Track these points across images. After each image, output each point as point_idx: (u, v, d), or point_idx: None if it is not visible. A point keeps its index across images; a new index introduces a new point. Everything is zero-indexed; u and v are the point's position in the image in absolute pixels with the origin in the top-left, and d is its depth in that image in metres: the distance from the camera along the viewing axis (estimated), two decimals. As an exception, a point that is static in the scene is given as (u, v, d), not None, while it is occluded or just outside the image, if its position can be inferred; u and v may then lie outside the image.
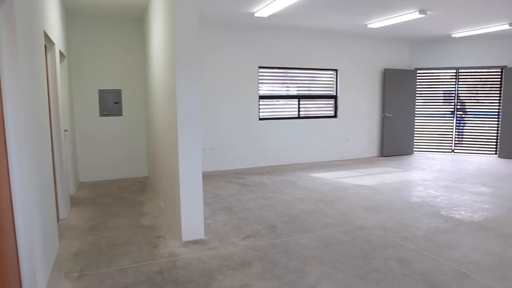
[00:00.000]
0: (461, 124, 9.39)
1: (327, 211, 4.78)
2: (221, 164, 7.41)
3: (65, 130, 5.27)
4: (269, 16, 6.49)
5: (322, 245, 3.72)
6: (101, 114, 6.65)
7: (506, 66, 8.78)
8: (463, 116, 9.33)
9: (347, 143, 8.66)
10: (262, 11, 6.03)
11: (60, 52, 5.12)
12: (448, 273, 3.14)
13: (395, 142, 9.12)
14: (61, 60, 5.43)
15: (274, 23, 7.11)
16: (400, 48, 9.16)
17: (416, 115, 9.45)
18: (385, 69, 8.79)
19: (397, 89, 8.99)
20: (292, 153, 8.06)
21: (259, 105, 7.71)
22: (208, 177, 6.83)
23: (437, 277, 3.07)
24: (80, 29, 6.38)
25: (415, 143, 9.53)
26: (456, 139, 9.37)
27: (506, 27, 7.34)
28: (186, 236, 3.90)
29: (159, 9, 4.62)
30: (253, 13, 6.28)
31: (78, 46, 6.39)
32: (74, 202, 5.38)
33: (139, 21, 6.73)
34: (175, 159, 3.92)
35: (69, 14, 6.22)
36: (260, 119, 7.73)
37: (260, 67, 7.64)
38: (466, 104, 9.27)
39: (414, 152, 9.53)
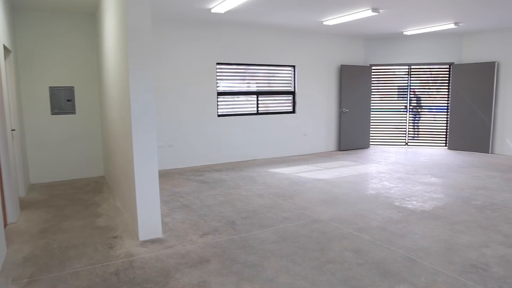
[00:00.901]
0: (416, 118, 9.79)
1: (286, 206, 4.84)
2: (180, 161, 7.32)
3: (13, 130, 5.01)
4: (226, 12, 6.46)
5: (280, 239, 3.77)
6: (53, 112, 6.37)
7: (453, 62, 9.22)
8: (419, 110, 9.72)
9: (305, 138, 8.80)
10: (219, 7, 5.99)
11: (4, 46, 4.86)
12: (400, 261, 3.27)
13: (352, 137, 9.36)
14: (5, 55, 5.15)
15: (232, 19, 7.09)
16: (356, 45, 9.40)
17: (372, 110, 9.75)
18: (341, 65, 9.00)
19: (353, 85, 9.23)
20: (252, 149, 8.09)
21: (218, 101, 7.67)
22: (166, 175, 6.73)
23: (390, 265, 3.19)
24: (29, 23, 6.08)
25: (371, 137, 9.83)
26: (410, 132, 9.76)
27: (452, 26, 7.71)
28: (143, 235, 3.82)
29: (111, 3, 4.48)
30: (210, 9, 6.23)
31: (27, 41, 6.09)
32: (24, 205, 5.14)
33: (92, 15, 6.50)
34: (130, 157, 3.83)
35: (15, 8, 5.90)
36: (219, 115, 7.69)
37: (218, 64, 7.59)
38: (420, 99, 9.67)
39: (371, 145, 9.83)
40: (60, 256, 3.45)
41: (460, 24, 7.67)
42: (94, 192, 5.71)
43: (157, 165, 3.80)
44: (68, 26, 6.33)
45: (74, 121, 6.54)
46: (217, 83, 7.61)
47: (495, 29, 8.37)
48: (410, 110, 9.68)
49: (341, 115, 9.15)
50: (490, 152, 8.77)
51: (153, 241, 3.76)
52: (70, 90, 6.45)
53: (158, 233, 3.89)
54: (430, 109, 9.69)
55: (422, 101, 9.65)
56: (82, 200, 5.31)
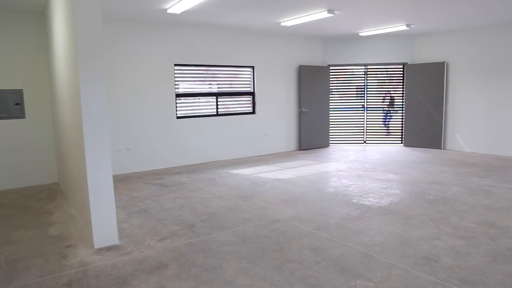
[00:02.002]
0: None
1: (246, 207, 4.83)
2: (139, 165, 7.15)
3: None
4: (182, 13, 6.37)
5: (239, 241, 3.75)
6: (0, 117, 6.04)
7: (407, 63, 9.56)
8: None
9: (266, 138, 8.84)
10: (175, 8, 5.90)
11: None
12: (357, 257, 3.34)
13: (312, 136, 9.50)
14: None
15: (189, 20, 7.01)
16: (314, 46, 9.54)
17: (331, 109, 9.93)
18: (300, 65, 9.11)
19: (312, 85, 9.37)
20: (212, 150, 8.03)
21: (177, 103, 7.56)
22: (124, 179, 6.55)
23: (347, 261, 3.25)
24: (-30, 23, 5.74)
25: (330, 136, 10.01)
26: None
27: (404, 27, 7.99)
28: (99, 243, 3.69)
29: (59, 2, 4.30)
30: (166, 10, 6.12)
31: (-32, 42, 5.74)
32: (-31, 215, 4.84)
33: (41, 14, 6.22)
34: (83, 162, 3.69)
35: (-46, 6, 5.56)
36: (178, 117, 7.58)
37: (176, 65, 7.48)
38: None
39: (330, 144, 10.02)
40: (7, 270, 3.27)
41: (412, 26, 7.96)
42: (47, 200, 5.46)
43: (111, 169, 3.68)
44: (15, 25, 6.02)
45: (24, 126, 6.23)
46: (175, 84, 7.50)
47: (444, 31, 8.75)
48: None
49: (301, 115, 9.26)
50: (442, 148, 9.17)
51: (109, 248, 3.64)
52: (19, 93, 6.14)
53: (114, 240, 3.77)
54: (384, 107, 9.99)
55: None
56: (34, 208, 5.07)
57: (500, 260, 3.24)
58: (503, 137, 8.19)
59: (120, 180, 6.46)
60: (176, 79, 7.51)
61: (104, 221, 3.69)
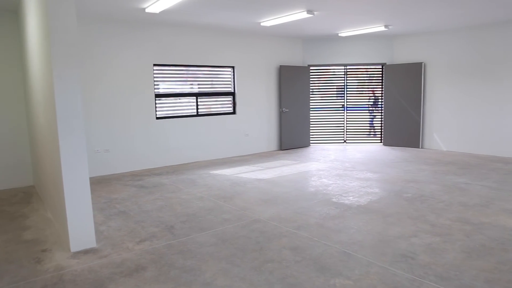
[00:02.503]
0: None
1: (226, 207, 4.82)
2: (118, 166, 7.04)
3: None
4: (161, 12, 6.31)
5: (219, 242, 3.73)
6: (-28, 118, 5.86)
7: (385, 63, 9.70)
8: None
9: (247, 138, 8.83)
10: (153, 7, 5.83)
11: None
12: (336, 255, 3.36)
13: (292, 136, 9.54)
14: None
15: (168, 20, 6.94)
16: (294, 46, 9.59)
17: (311, 109, 9.99)
18: (280, 65, 9.14)
19: (293, 85, 9.41)
20: (192, 151, 7.98)
21: (156, 103, 7.48)
22: (103, 181, 6.44)
23: (326, 260, 3.27)
24: None
25: (311, 136, 10.07)
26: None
27: (383, 28, 8.10)
28: (75, 246, 3.62)
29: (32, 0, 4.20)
30: (144, 9, 6.05)
31: None
32: None
33: (14, 12, 6.06)
34: (58, 164, 3.61)
35: None
36: (158, 118, 7.50)
37: (155, 65, 7.40)
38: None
39: (311, 144, 10.07)
40: (-21, 275, 3.17)
41: (390, 27, 8.08)
42: (21, 203, 5.32)
43: (87, 171, 3.61)
44: (-13, 25, 5.86)
45: (-3, 127, 6.06)
46: (155, 84, 7.42)
47: (421, 32, 8.91)
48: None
49: (281, 115, 9.29)
50: (420, 147, 9.33)
51: (86, 252, 3.57)
52: (-8, 94, 5.97)
53: (91, 243, 3.70)
54: (366, 107, 10.10)
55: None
56: (7, 212, 4.93)
57: (474, 255, 3.32)
58: (478, 136, 8.39)
59: (98, 182, 6.35)
60: (155, 79, 7.43)
61: (81, 224, 3.61)
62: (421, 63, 9.08)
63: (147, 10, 6.01)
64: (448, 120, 8.87)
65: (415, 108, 9.27)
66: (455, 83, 8.69)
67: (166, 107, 7.64)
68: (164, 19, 6.91)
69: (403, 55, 9.53)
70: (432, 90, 9.10)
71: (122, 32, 6.89)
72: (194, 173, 6.90)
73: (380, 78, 9.88)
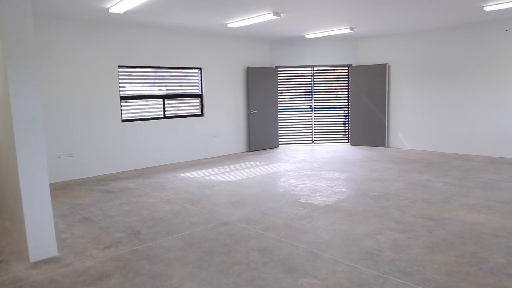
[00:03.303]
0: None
1: (194, 210, 4.76)
2: (82, 171, 6.83)
3: None
4: (125, 13, 6.18)
5: (186, 246, 3.68)
6: None
7: (351, 64, 9.89)
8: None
9: (215, 140, 8.78)
10: (117, 7, 5.70)
11: None
12: (303, 255, 3.38)
13: (261, 137, 9.56)
14: None
15: (133, 20, 6.81)
16: (261, 47, 9.62)
17: (279, 110, 10.05)
18: (248, 67, 9.14)
19: (260, 86, 9.43)
20: (160, 154, 7.85)
21: (122, 106, 7.31)
22: (66, 186, 6.23)
23: (294, 261, 3.28)
24: None
25: (279, 137, 10.13)
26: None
27: (348, 30, 8.26)
28: (35, 256, 3.47)
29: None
30: (107, 9, 5.90)
31: None
32: None
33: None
34: (15, 170, 3.45)
35: None
36: (124, 120, 7.33)
37: (120, 67, 7.23)
38: (324, 98, 10.20)
39: (280, 145, 10.13)
40: None
41: (355, 29, 8.24)
42: (-22, 212, 5.07)
43: (47, 176, 3.47)
44: None
45: (-50, 133, 5.75)
46: (120, 87, 7.25)
47: (385, 34, 9.14)
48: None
49: (249, 116, 9.29)
50: (386, 146, 9.56)
51: (46, 261, 3.43)
52: None
53: (52, 252, 3.56)
54: (333, 108, 10.25)
55: (330, 100, 10.17)
56: (-38, 221, 4.68)
57: (436, 250, 3.42)
58: (440, 134, 8.68)
59: (61, 188, 6.13)
60: (121, 81, 7.27)
61: (40, 232, 3.47)
62: (385, 64, 9.31)
63: (110, 10, 5.87)
64: (412, 120, 9.14)
65: (380, 108, 9.49)
66: (417, 83, 8.97)
67: (133, 109, 7.49)
68: (128, 20, 6.77)
69: (368, 57, 9.75)
70: (396, 90, 9.36)
71: (85, 32, 6.70)
72: (161, 176, 6.78)
73: (347, 79, 10.06)
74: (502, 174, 6.26)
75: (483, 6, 6.31)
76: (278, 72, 9.96)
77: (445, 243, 3.57)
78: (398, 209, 4.62)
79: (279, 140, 10.13)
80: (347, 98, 10.08)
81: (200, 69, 8.43)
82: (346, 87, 10.08)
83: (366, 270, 3.08)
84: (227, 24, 7.33)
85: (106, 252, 3.58)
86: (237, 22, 7.14)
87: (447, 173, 6.44)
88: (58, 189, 6.04)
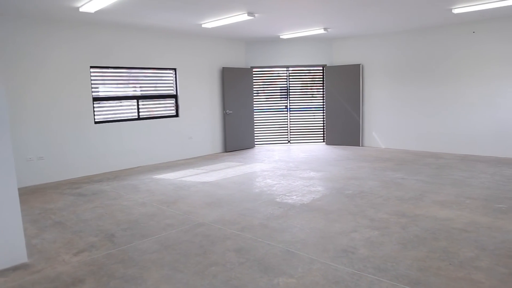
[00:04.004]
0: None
1: (169, 212, 4.71)
2: (54, 174, 6.65)
3: None
4: (97, 12, 6.05)
5: (162, 248, 3.63)
6: None
7: (326, 65, 10.00)
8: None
9: (191, 141, 8.71)
10: (87, 6, 5.57)
11: None
12: (280, 255, 3.39)
13: (237, 137, 9.55)
14: None
15: (106, 20, 6.68)
16: (237, 48, 9.61)
17: (255, 111, 10.07)
18: (223, 67, 9.12)
19: (236, 87, 9.42)
20: (135, 156, 7.73)
21: (94, 107, 7.16)
22: (37, 190, 6.05)
23: (270, 260, 3.29)
24: None
25: (255, 137, 10.15)
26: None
27: (322, 31, 8.35)
28: (3, 263, 3.35)
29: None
30: (78, 8, 5.77)
31: None
32: None
33: None
34: (-19, 175, 3.33)
35: None
36: (97, 122, 7.18)
37: (92, 67, 7.08)
38: (301, 99, 10.27)
39: (256, 145, 10.15)
40: None
41: (329, 29, 8.34)
42: None
43: (15, 180, 3.36)
44: None
45: None
46: (92, 88, 7.09)
47: (358, 35, 9.29)
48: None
49: (225, 117, 9.27)
50: (361, 145, 9.72)
51: (15, 268, 3.32)
52: None
53: (22, 258, 3.45)
54: (309, 107, 10.34)
55: (304, 100, 10.26)
56: None
57: (409, 246, 3.49)
58: (412, 133, 8.89)
59: (32, 192, 5.95)
60: (93, 82, 7.11)
61: (8, 238, 3.36)
62: (359, 64, 9.47)
63: (81, 10, 5.74)
64: (385, 119, 9.32)
65: (355, 108, 9.64)
66: (390, 83, 9.15)
67: (106, 111, 7.34)
68: (101, 19, 6.64)
69: (342, 57, 9.88)
70: (370, 90, 9.53)
71: (55, 31, 6.53)
72: (136, 178, 6.68)
73: (321, 79, 10.17)
74: (472, 171, 6.46)
75: (452, 9, 6.49)
76: (254, 73, 9.97)
77: (418, 239, 3.65)
78: (372, 207, 4.70)
79: (255, 140, 10.15)
80: (322, 98, 10.20)
81: (175, 69, 8.35)
82: (321, 87, 10.20)
83: (341, 268, 3.11)
84: (201, 24, 7.29)
85: (79, 257, 3.50)
86: (211, 23, 7.11)
87: (419, 171, 6.60)
88: (29, 194, 5.86)
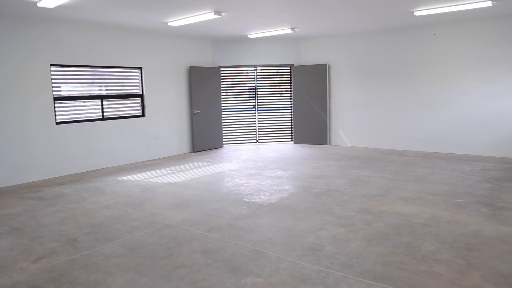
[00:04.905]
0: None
1: (135, 215, 4.60)
2: (12, 178, 6.36)
3: None
4: (56, 8, 5.82)
5: (127, 251, 3.54)
6: None
7: (293, 64, 10.08)
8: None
9: (158, 142, 8.55)
10: (46, 2, 5.34)
11: None
12: (247, 255, 3.38)
13: (205, 137, 9.47)
14: None
15: (67, 16, 6.44)
16: (204, 47, 9.52)
17: (223, 110, 10.01)
18: (190, 66, 9.01)
19: (203, 86, 9.34)
20: (99, 157, 7.50)
21: (56, 107, 6.90)
22: (-6, 195, 5.77)
23: (237, 260, 3.27)
24: None
25: (224, 137, 10.09)
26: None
27: (289, 31, 8.40)
28: (-45, 272, 3.17)
29: None
30: (35, 3, 5.53)
31: None
32: None
33: None
34: None
35: None
36: (58, 123, 6.92)
37: (52, 65, 6.82)
38: (268, 98, 10.30)
39: (224, 145, 10.10)
40: None
41: (296, 29, 8.40)
42: None
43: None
44: None
45: None
46: (53, 87, 6.83)
47: (325, 35, 9.41)
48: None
49: (193, 116, 9.17)
50: (328, 144, 9.86)
51: (-31, 277, 3.15)
52: None
53: (-24, 266, 3.27)
54: (277, 107, 10.39)
55: (271, 101, 10.29)
56: None
57: (374, 242, 3.56)
58: (377, 131, 9.10)
59: (-12, 197, 5.67)
60: (54, 81, 6.85)
61: (-39, 245, 3.17)
62: (326, 64, 9.59)
63: (39, 5, 5.50)
64: (351, 118, 9.50)
65: (322, 107, 9.76)
66: (355, 83, 9.33)
67: (68, 111, 7.09)
68: (61, 16, 6.40)
69: (309, 57, 9.99)
70: (337, 89, 9.68)
71: (10, 28, 6.23)
72: (101, 180, 6.49)
73: (289, 78, 10.24)
74: (433, 168, 6.68)
75: (413, 11, 6.68)
76: (221, 72, 9.92)
77: (382, 235, 3.73)
78: (339, 204, 4.76)
79: (224, 140, 10.09)
80: (290, 97, 10.27)
81: (141, 68, 8.18)
82: (289, 87, 10.27)
83: (309, 266, 3.13)
84: (167, 22, 7.17)
85: (38, 264, 3.35)
86: (178, 21, 7.01)
87: (384, 168, 6.76)
88: (-16, 198, 5.58)
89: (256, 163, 7.61)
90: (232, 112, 10.17)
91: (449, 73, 8.00)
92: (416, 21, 7.75)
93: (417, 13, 6.72)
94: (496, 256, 3.22)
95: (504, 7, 6.50)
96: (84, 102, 7.32)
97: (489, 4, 6.09)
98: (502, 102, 7.47)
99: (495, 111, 7.56)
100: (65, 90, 7.07)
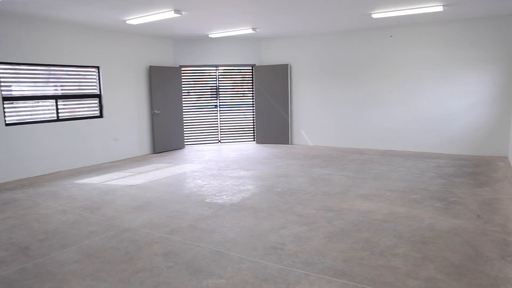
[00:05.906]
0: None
1: (93, 219, 4.44)
2: (-42, 183, 5.98)
3: None
4: (4, 2, 5.52)
5: (84, 257, 3.40)
6: None
7: (255, 64, 10.10)
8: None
9: (117, 143, 8.31)
10: (-7, -3, 5.08)
11: None
12: (209, 256, 3.34)
13: (166, 138, 9.31)
14: None
15: (16, 11, 6.12)
16: (164, 46, 9.36)
17: (184, 110, 9.88)
18: (150, 66, 8.82)
19: (164, 86, 9.17)
20: (54, 160, 7.19)
21: (5, 108, 6.54)
22: None
23: (199, 262, 3.22)
24: None
25: (185, 137, 9.96)
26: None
27: (250, 31, 8.41)
28: None
29: None
30: (-19, -2, 5.23)
31: None
32: None
33: None
34: None
35: None
36: (8, 124, 6.57)
37: (0, 63, 6.46)
38: (230, 98, 10.26)
39: (185, 146, 9.97)
40: None
41: (257, 29, 8.41)
42: None
43: None
44: None
45: None
46: (2, 86, 6.47)
47: (286, 36, 9.50)
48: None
49: (153, 117, 8.98)
50: (290, 143, 9.95)
51: None
52: None
53: None
54: (239, 107, 10.36)
55: (233, 101, 10.26)
56: None
57: (334, 239, 3.62)
58: (338, 130, 9.30)
59: None
60: (2, 80, 6.49)
61: None
62: (287, 64, 9.68)
63: (-15, 1, 5.21)
64: (313, 117, 9.64)
65: (283, 107, 9.84)
66: (316, 83, 9.48)
67: (20, 111, 6.75)
68: (10, 11, 6.08)
69: (271, 57, 10.04)
70: (298, 89, 9.79)
71: (-46, 25, 5.86)
72: (56, 184, 6.22)
73: (251, 79, 10.25)
74: (391, 165, 6.89)
75: (371, 14, 6.87)
76: (182, 72, 9.78)
77: (343, 232, 3.80)
78: (300, 203, 4.81)
79: (185, 140, 9.96)
80: (252, 97, 10.29)
81: (98, 67, 7.92)
82: (251, 87, 10.28)
83: (271, 265, 3.14)
84: (125, 20, 6.98)
85: (-14, 274, 3.16)
86: (136, 19, 6.83)
87: (345, 167, 6.90)
88: None
89: (218, 163, 7.56)
90: (194, 112, 10.05)
91: (405, 74, 8.30)
92: (374, 24, 7.97)
93: (374, 16, 6.91)
94: (448, 248, 3.36)
95: (455, 12, 6.82)
96: (38, 102, 6.99)
97: (440, 9, 6.38)
98: (454, 102, 7.84)
99: (448, 111, 7.92)
100: (16, 90, 6.72)
